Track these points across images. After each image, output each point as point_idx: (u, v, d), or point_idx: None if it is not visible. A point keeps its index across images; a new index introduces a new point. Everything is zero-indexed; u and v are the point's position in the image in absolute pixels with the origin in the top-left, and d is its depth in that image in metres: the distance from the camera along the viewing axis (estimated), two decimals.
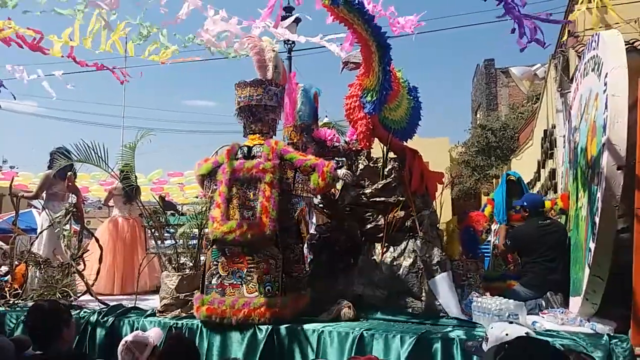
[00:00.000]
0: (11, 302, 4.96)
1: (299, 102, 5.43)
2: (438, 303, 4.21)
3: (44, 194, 6.08)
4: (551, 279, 4.49)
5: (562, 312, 3.96)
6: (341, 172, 4.33)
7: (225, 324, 3.87)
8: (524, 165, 11.98)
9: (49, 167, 5.93)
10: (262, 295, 3.93)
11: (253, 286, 3.98)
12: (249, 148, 4.31)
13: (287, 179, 4.14)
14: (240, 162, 4.22)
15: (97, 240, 5.50)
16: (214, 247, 4.15)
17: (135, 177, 5.16)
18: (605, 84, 3.48)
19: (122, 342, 3.05)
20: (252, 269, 4.00)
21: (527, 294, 4.45)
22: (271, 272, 3.96)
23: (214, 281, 4.09)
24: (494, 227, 6.01)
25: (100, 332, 4.27)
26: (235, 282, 4.03)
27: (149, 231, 5.20)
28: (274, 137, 4.55)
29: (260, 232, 3.92)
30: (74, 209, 5.42)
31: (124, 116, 16.93)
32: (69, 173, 5.67)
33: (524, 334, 2.17)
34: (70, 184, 5.78)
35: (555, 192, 7.75)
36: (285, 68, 5.20)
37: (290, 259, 4.12)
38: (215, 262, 4.11)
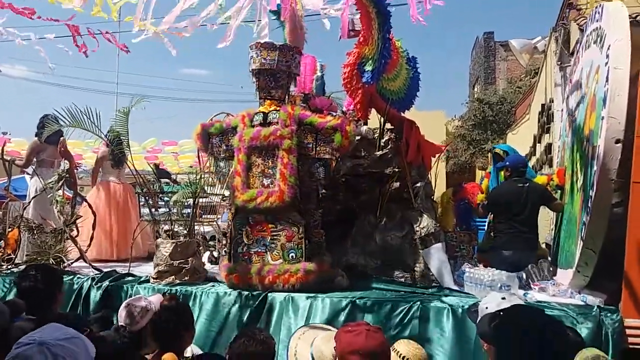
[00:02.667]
0: (4, 267, 4.95)
1: (317, 74, 5.48)
2: (431, 273, 4.24)
3: (34, 160, 6.00)
4: (525, 238, 4.59)
5: (554, 284, 4.00)
6: (363, 129, 4.29)
7: (250, 292, 3.90)
8: (519, 139, 11.96)
9: (37, 134, 5.84)
10: (286, 262, 3.96)
11: (277, 253, 4.01)
12: (265, 114, 4.21)
13: (308, 144, 4.08)
14: (257, 129, 4.14)
15: (90, 206, 5.47)
16: (237, 216, 4.15)
17: (128, 143, 5.09)
18: (607, 56, 3.43)
19: (124, 304, 3.04)
20: (275, 237, 4.03)
21: (507, 255, 4.52)
22: (294, 239, 3.99)
23: (239, 249, 4.12)
24: None
25: (94, 298, 4.28)
26: (259, 250, 4.06)
27: (142, 198, 5.17)
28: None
29: (279, 200, 3.93)
30: (67, 175, 5.36)
31: (118, 82, 16.73)
32: (61, 138, 5.59)
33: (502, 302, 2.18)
34: (62, 149, 5.70)
35: (551, 166, 7.76)
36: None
37: (310, 225, 4.12)
38: (239, 231, 4.13)
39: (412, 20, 4.25)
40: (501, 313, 1.83)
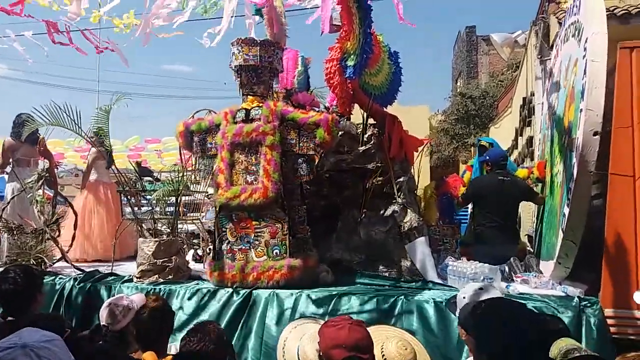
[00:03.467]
0: None
1: (299, 69, 5.42)
2: (415, 267, 4.27)
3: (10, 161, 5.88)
4: (505, 232, 4.65)
5: (535, 276, 4.06)
6: (343, 124, 4.27)
7: (235, 289, 3.88)
8: (502, 133, 12.08)
9: (12, 134, 5.74)
10: (270, 258, 3.96)
11: (261, 250, 4.00)
12: (247, 111, 4.19)
13: (291, 140, 4.07)
14: (240, 126, 4.12)
15: (71, 205, 5.40)
16: (221, 213, 4.13)
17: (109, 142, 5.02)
18: (585, 49, 3.47)
19: (106, 303, 3.01)
20: (259, 233, 4.02)
21: (488, 248, 4.56)
22: (278, 235, 3.98)
23: (223, 247, 4.11)
24: None
25: (76, 298, 4.22)
26: (243, 247, 4.05)
27: (124, 197, 5.11)
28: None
29: (263, 196, 3.92)
30: (47, 174, 5.28)
31: (99, 80, 16.49)
32: (40, 137, 5.49)
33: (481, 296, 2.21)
34: (42, 148, 5.60)
35: (532, 159, 7.85)
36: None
37: (295, 221, 4.12)
38: (223, 229, 4.12)
39: (399, 20, 4.25)
40: (482, 304, 1.85)
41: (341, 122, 4.49)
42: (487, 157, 5.12)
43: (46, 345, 1.63)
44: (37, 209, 5.13)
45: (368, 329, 2.30)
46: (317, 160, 4.65)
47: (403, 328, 3.37)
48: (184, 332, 2.51)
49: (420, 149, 5.09)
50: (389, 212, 4.47)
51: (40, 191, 5.28)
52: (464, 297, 2.44)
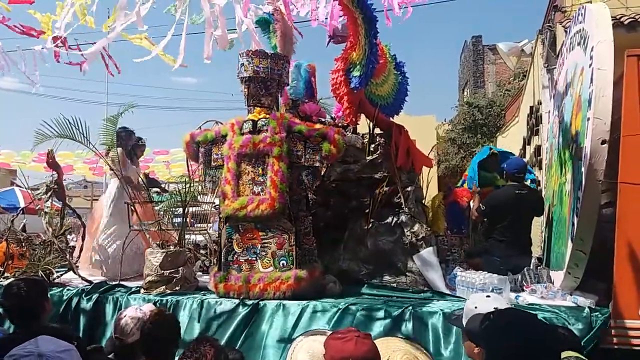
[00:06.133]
0: None
1: (291, 78, 5.39)
2: (423, 278, 4.24)
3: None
4: (518, 245, 4.62)
5: (545, 286, 4.01)
6: (349, 136, 4.28)
7: (241, 300, 3.87)
8: (509, 142, 12.04)
9: (118, 145, 5.38)
10: (277, 269, 3.94)
11: (268, 261, 3.99)
12: (254, 122, 4.19)
13: (297, 151, 4.08)
14: (247, 137, 4.13)
15: (79, 217, 5.42)
16: (227, 224, 4.13)
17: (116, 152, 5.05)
18: (591, 58, 3.46)
19: (118, 316, 3.01)
20: (266, 244, 4.01)
21: (496, 261, 4.53)
22: (285, 246, 3.97)
23: (230, 258, 4.09)
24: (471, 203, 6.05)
25: (83, 310, 4.23)
26: (250, 258, 4.04)
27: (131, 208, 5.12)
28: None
29: (270, 207, 3.92)
30: (55, 186, 5.31)
31: (108, 92, 16.66)
32: (48, 149, 5.53)
33: (494, 308, 2.17)
34: (50, 160, 5.64)
35: (541, 168, 7.81)
36: None
37: (301, 231, 4.11)
38: (230, 239, 4.11)
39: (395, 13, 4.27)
40: (492, 315, 1.82)
41: (347, 134, 4.48)
42: (505, 167, 5.06)
43: (61, 355, 1.64)
44: (45, 220, 5.16)
45: (374, 341, 2.28)
46: (323, 171, 4.66)
47: (410, 339, 3.34)
48: (189, 344, 2.48)
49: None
50: (396, 221, 4.45)
51: (49, 203, 5.31)
52: (475, 307, 2.39)
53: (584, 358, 2.19)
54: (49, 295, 3.17)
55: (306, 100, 5.27)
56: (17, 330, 2.93)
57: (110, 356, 3.03)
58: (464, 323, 2.37)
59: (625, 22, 6.25)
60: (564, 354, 2.24)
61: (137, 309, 3.05)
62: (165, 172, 17.24)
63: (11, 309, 2.90)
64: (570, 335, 2.58)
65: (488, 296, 2.47)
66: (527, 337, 1.65)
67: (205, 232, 5.77)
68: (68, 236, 5.38)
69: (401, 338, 3.23)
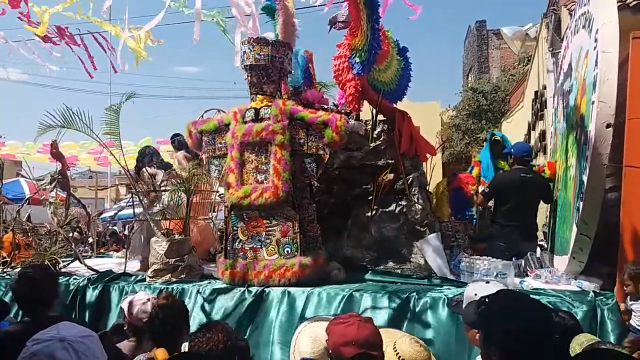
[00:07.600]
0: None
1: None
2: (427, 264, 4.24)
3: None
4: (524, 229, 4.59)
5: (549, 271, 4.01)
6: (354, 123, 4.29)
7: (246, 287, 3.90)
8: (514, 127, 11.97)
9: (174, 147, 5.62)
10: (281, 256, 3.97)
11: (272, 248, 4.02)
12: (257, 110, 4.19)
13: (300, 139, 4.08)
14: (249, 125, 4.13)
15: (84, 207, 5.45)
16: (232, 212, 4.15)
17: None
18: (596, 40, 3.41)
19: (126, 300, 3.04)
20: (270, 232, 4.03)
21: (501, 246, 4.52)
22: (289, 234, 3.99)
23: (235, 245, 4.12)
24: (481, 188, 6.04)
25: (90, 299, 4.27)
26: (255, 246, 4.06)
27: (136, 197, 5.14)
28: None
29: (274, 195, 3.93)
30: (59, 176, 5.34)
31: (111, 82, 16.64)
32: (52, 139, 5.54)
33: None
34: (54, 150, 5.66)
35: (545, 153, 7.76)
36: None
37: (305, 219, 4.12)
38: (235, 227, 4.13)
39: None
40: (486, 300, 1.81)
41: (350, 121, 4.46)
42: (512, 150, 5.03)
43: (83, 340, 1.65)
44: (50, 210, 5.19)
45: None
46: (326, 159, 4.64)
47: (414, 326, 3.34)
48: (199, 329, 2.50)
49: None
50: (399, 208, 4.45)
51: (54, 193, 5.33)
52: (475, 294, 2.38)
53: (599, 339, 2.19)
54: (58, 285, 3.20)
55: (306, 88, 5.24)
56: (25, 318, 2.95)
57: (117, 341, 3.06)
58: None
59: (631, 4, 6.15)
60: (580, 337, 2.25)
61: (145, 294, 3.09)
62: (170, 161, 17.25)
63: (23, 295, 2.92)
64: (570, 319, 2.57)
65: (488, 282, 2.46)
66: (521, 319, 1.63)
67: (210, 220, 5.78)
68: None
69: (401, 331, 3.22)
